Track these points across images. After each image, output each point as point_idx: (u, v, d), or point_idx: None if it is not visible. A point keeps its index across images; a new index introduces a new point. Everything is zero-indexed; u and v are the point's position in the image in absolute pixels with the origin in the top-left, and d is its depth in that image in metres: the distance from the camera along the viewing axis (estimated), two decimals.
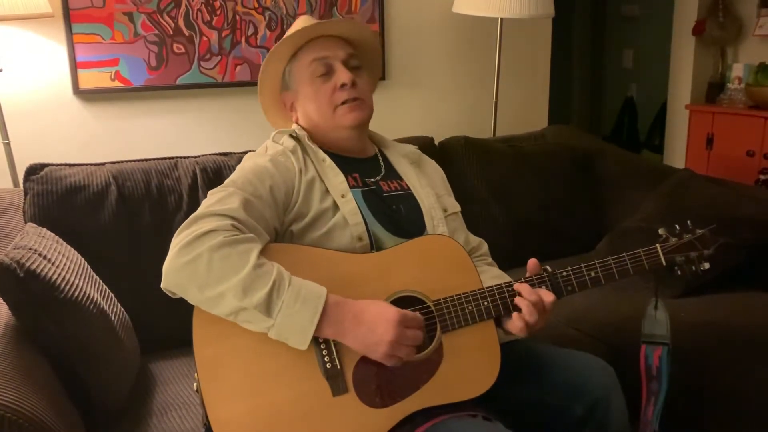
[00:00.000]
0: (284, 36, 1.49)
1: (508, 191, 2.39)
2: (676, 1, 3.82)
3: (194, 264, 1.18)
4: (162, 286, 1.22)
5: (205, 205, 1.28)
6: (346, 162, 1.48)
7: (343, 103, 1.45)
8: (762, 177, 3.20)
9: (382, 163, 1.55)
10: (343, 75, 1.44)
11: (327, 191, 1.41)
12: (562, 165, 2.53)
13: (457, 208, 1.60)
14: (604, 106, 5.31)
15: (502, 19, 2.84)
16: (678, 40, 3.82)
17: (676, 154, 3.84)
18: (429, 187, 1.54)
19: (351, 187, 1.43)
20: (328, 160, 1.44)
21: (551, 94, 3.44)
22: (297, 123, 1.54)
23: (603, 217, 2.54)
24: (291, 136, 1.47)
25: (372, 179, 1.49)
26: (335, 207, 1.39)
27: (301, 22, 1.51)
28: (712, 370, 1.82)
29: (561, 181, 2.50)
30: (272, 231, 1.34)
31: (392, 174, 1.54)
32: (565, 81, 5.18)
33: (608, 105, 5.23)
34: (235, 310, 1.18)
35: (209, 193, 1.33)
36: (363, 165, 1.51)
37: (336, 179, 1.42)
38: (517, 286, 1.34)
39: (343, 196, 1.40)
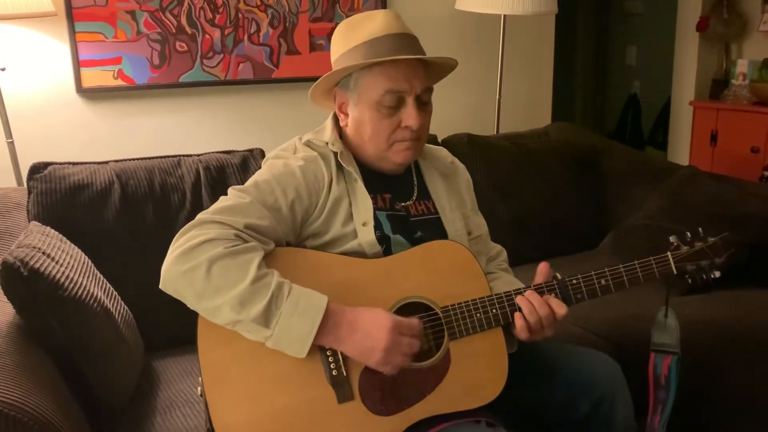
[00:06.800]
0: (365, 43, 1.35)
1: (511, 189, 2.38)
2: None
3: (192, 273, 1.16)
4: (160, 287, 1.21)
5: (215, 209, 1.25)
6: (379, 179, 1.41)
7: (401, 140, 1.37)
8: (766, 173, 3.19)
9: (415, 182, 1.47)
10: (412, 118, 1.33)
11: (351, 216, 1.34)
12: (566, 162, 2.52)
13: (482, 229, 1.55)
14: (607, 103, 5.30)
15: (505, 15, 2.83)
16: (682, 36, 3.81)
17: (680, 150, 3.83)
18: (458, 210, 1.48)
19: (378, 208, 1.37)
20: (360, 181, 1.36)
21: (554, 92, 3.43)
22: (341, 127, 1.43)
23: (607, 214, 2.54)
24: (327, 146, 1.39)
25: (402, 203, 1.43)
26: (355, 233, 1.34)
27: (384, 24, 1.38)
28: (716, 367, 1.81)
29: (564, 179, 2.49)
30: (282, 244, 1.30)
31: (423, 194, 1.47)
32: (569, 78, 5.16)
33: (612, 102, 5.22)
34: (232, 322, 1.17)
35: (229, 189, 1.30)
36: (396, 184, 1.44)
37: (363, 205, 1.35)
38: (527, 294, 1.31)
39: (364, 224, 1.34)
